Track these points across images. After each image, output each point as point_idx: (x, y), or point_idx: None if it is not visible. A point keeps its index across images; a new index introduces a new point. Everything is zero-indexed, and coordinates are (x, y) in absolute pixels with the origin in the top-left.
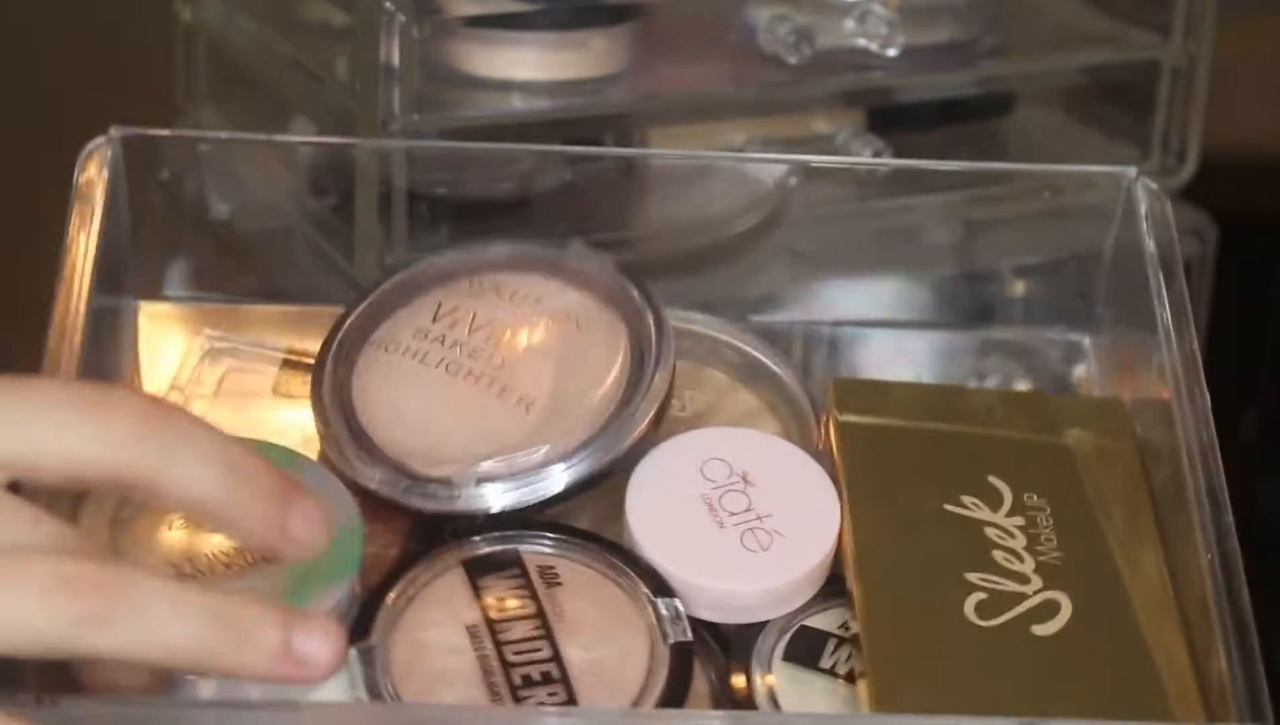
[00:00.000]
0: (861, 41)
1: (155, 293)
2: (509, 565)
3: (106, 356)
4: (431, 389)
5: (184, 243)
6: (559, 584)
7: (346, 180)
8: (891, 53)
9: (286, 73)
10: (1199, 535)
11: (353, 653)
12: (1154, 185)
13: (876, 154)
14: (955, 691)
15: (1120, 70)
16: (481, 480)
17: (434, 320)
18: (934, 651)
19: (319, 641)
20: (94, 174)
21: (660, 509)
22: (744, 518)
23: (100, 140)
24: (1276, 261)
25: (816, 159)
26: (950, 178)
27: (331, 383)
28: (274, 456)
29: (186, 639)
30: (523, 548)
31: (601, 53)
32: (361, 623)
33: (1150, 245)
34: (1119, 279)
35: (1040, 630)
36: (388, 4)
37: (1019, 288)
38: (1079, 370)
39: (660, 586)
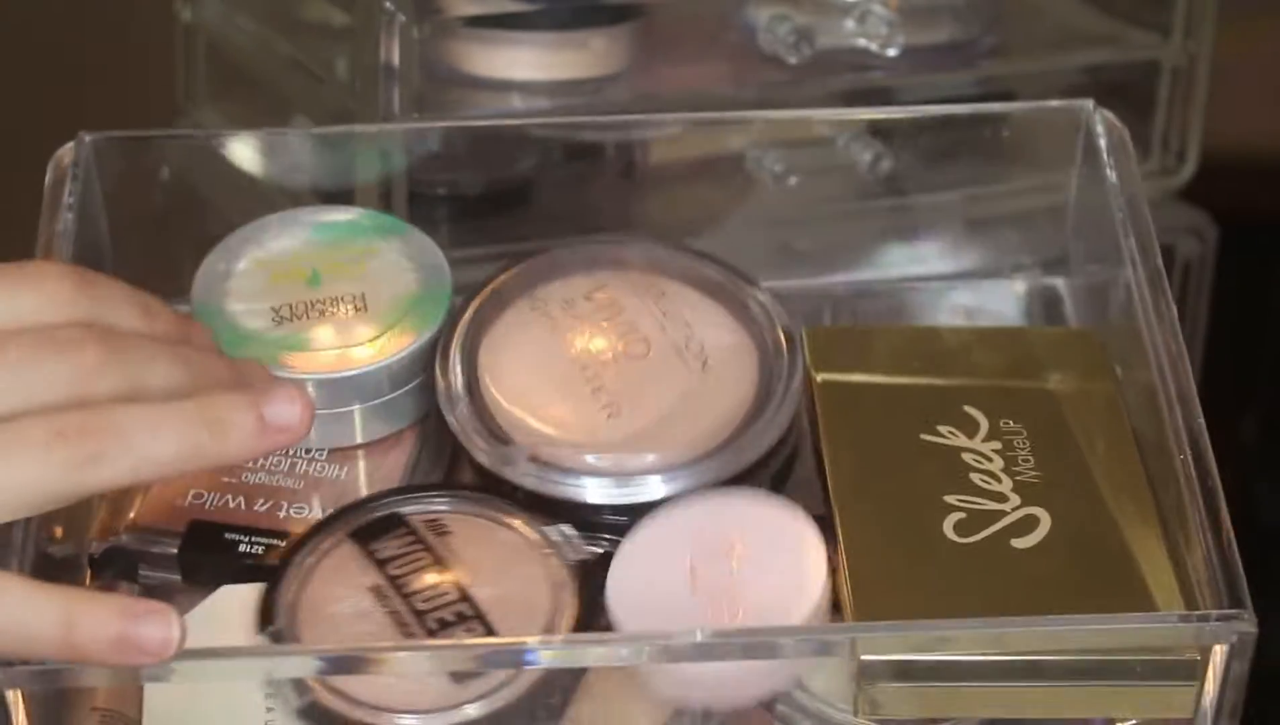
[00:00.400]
0: (861, 41)
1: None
2: (396, 526)
3: None
4: (552, 356)
5: (166, 246)
6: (449, 533)
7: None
8: (891, 53)
9: (286, 73)
10: (1171, 438)
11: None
12: (1112, 116)
13: (876, 155)
14: (935, 603)
15: (1120, 70)
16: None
17: (586, 298)
18: (914, 568)
19: (287, 406)
20: (61, 178)
21: (643, 576)
22: (718, 590)
23: (69, 146)
24: (1276, 261)
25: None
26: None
27: (470, 324)
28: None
29: (174, 450)
30: (405, 509)
31: (601, 53)
32: (263, 614)
33: (1111, 176)
34: (1087, 216)
35: (1019, 543)
36: (388, 4)
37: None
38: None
39: (550, 518)
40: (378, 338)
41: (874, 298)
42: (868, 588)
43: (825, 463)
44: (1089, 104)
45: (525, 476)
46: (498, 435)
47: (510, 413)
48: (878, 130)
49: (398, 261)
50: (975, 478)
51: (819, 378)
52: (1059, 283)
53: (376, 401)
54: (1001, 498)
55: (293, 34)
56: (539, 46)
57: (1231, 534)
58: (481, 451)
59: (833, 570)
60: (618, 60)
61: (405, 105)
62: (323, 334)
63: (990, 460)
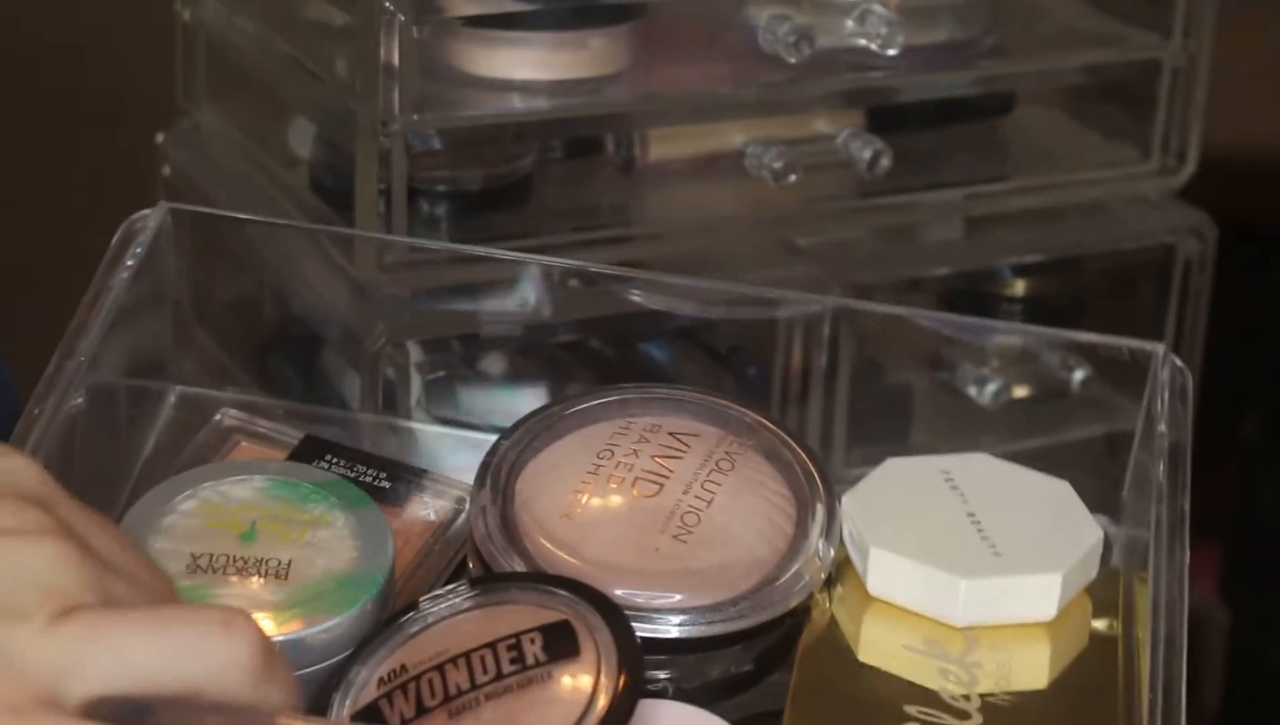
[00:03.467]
0: (861, 41)
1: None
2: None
3: (110, 437)
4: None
5: (223, 329)
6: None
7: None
8: (891, 53)
9: (286, 73)
10: (1147, 679)
11: None
12: (1179, 363)
13: (877, 154)
14: None
15: (1120, 70)
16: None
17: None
18: None
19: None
20: (128, 240)
21: None
22: None
23: (145, 212)
24: (1276, 261)
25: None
26: (951, 176)
27: (510, 454)
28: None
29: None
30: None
31: (601, 53)
32: None
33: (1162, 427)
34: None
35: None
36: (388, 4)
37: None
38: (1078, 375)
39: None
40: (284, 612)
41: (874, 297)
42: None
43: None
44: (1160, 348)
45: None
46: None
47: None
48: (874, 127)
49: (343, 538)
50: (943, 693)
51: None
52: (1109, 529)
53: None
54: (964, 714)
55: (293, 34)
56: (539, 46)
57: None
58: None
59: None
60: (618, 60)
61: (405, 105)
62: (230, 594)
63: (964, 681)
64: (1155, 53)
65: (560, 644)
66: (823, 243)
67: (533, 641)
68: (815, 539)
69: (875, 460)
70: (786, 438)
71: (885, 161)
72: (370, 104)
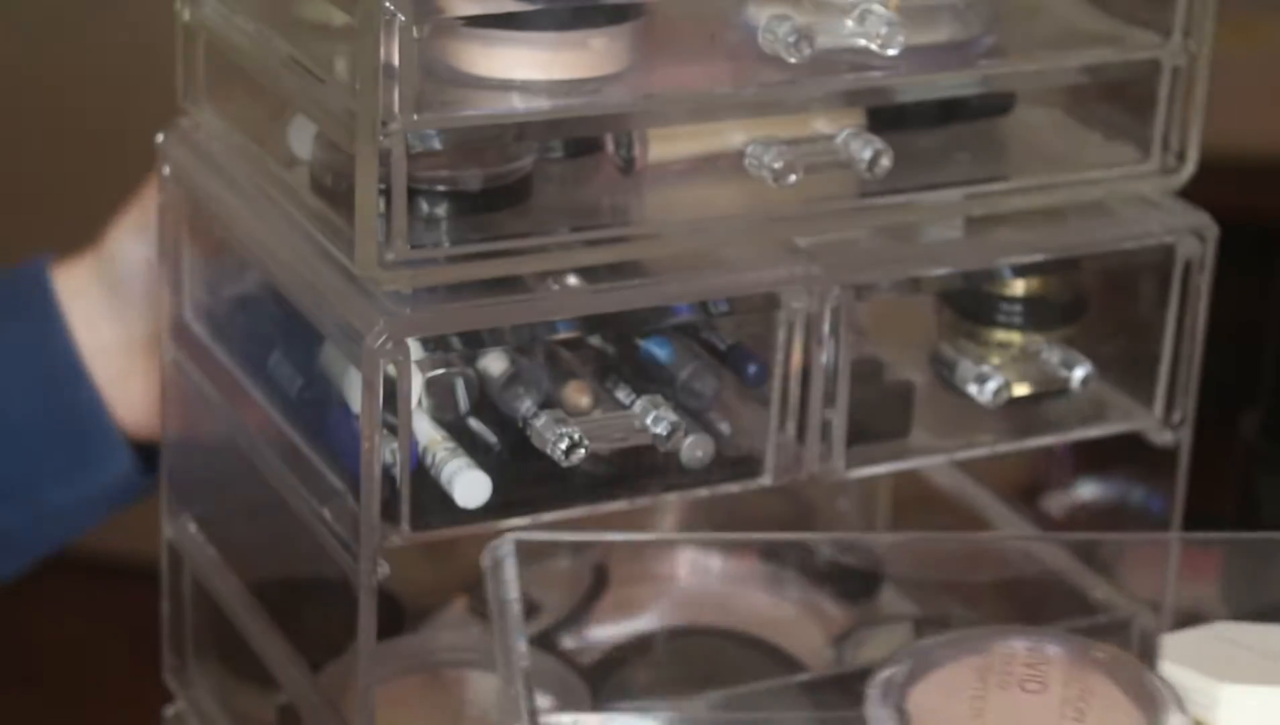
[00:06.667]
0: (861, 41)
1: None
2: None
3: None
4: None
5: None
6: None
7: None
8: (891, 53)
9: (286, 73)
10: None
11: None
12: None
13: (877, 154)
14: None
15: (1120, 70)
16: None
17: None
18: None
19: None
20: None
21: None
22: None
23: (494, 544)
24: (1276, 261)
25: None
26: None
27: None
28: None
29: None
30: None
31: (601, 53)
32: None
33: None
34: None
35: None
36: (388, 4)
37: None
38: (1079, 374)
39: None
40: None
41: (874, 296)
42: None
43: None
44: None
45: None
46: None
47: None
48: (874, 127)
49: None
50: None
51: None
52: None
53: None
54: None
55: (293, 34)
56: (539, 46)
57: None
58: None
59: None
60: (618, 60)
61: (405, 105)
62: None
63: None
64: (1155, 53)
65: None
66: (823, 243)
67: None
68: None
69: (876, 459)
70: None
71: (885, 161)
72: (370, 104)
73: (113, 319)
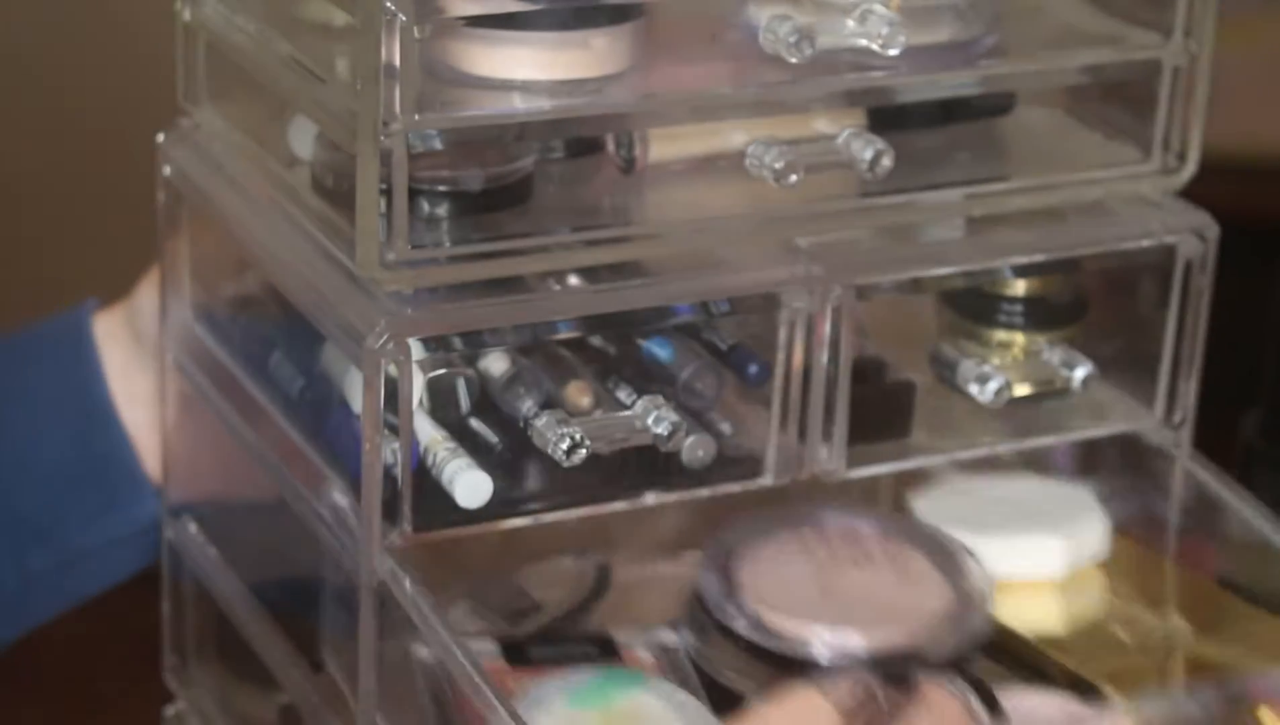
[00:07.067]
0: (862, 41)
1: None
2: None
3: None
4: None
5: None
6: None
7: None
8: (892, 53)
9: (286, 73)
10: None
11: None
12: None
13: (877, 154)
14: None
15: (1120, 70)
16: None
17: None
18: None
19: None
20: None
21: None
22: None
23: None
24: (1276, 261)
25: None
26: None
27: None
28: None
29: None
30: None
31: (602, 53)
32: None
33: None
34: None
35: None
36: (388, 4)
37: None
38: (1079, 374)
39: None
40: None
41: (874, 296)
42: None
43: None
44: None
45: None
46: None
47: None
48: (874, 127)
49: None
50: None
51: None
52: None
53: None
54: None
55: (293, 34)
56: (539, 46)
57: None
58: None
59: None
60: (618, 60)
61: (406, 105)
62: None
63: None
64: (1155, 53)
65: None
66: (823, 243)
67: None
68: None
69: (876, 459)
70: None
71: (886, 161)
72: (371, 104)
73: (143, 369)
